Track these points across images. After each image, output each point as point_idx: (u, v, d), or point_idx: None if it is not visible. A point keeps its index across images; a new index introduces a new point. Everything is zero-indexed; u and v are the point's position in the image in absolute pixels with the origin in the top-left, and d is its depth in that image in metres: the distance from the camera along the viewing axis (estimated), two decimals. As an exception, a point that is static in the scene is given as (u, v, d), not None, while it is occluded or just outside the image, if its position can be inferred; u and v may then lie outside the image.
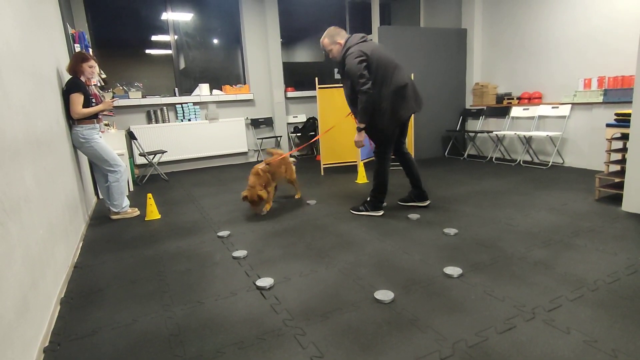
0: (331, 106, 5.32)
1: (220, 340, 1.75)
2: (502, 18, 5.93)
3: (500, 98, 6.00)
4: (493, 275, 2.21)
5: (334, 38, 3.24)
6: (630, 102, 3.12)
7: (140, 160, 5.86)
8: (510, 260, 2.38)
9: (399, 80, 3.13)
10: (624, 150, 3.53)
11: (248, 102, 6.97)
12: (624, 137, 3.52)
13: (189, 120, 6.48)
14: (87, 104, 3.46)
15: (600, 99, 4.69)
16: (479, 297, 1.98)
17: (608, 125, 3.71)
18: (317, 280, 2.29)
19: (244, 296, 2.15)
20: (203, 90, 6.58)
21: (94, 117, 3.56)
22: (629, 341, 1.57)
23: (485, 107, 6.16)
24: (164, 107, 6.32)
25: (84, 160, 4.15)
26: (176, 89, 6.60)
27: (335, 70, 7.86)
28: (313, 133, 7.24)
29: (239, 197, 4.41)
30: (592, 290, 1.98)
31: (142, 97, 6.15)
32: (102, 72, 5.35)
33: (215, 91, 6.70)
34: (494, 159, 5.88)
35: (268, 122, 7.12)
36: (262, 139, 7.05)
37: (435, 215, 3.34)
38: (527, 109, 5.54)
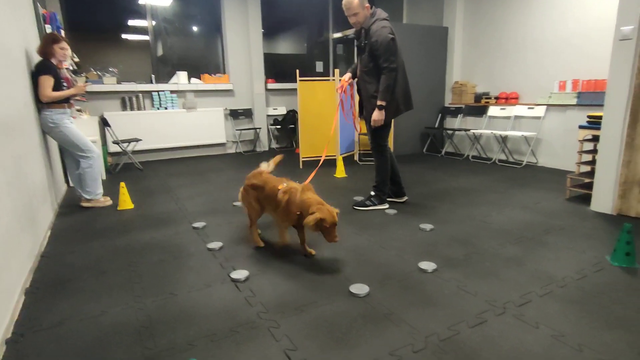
0: (312, 99, 5.29)
1: (193, 332, 1.71)
2: (483, 18, 6.02)
3: (478, 97, 6.10)
4: (466, 270, 2.25)
5: (364, 2, 3.06)
6: (602, 105, 3.22)
7: (114, 148, 5.69)
8: (484, 257, 2.43)
9: (406, 74, 3.18)
10: (594, 151, 3.65)
11: (227, 92, 6.86)
12: (595, 139, 3.63)
13: (166, 108, 6.32)
14: (57, 87, 3.31)
15: (574, 101, 4.82)
16: (452, 291, 2.01)
17: (580, 127, 3.82)
18: (292, 273, 2.27)
19: (218, 288, 2.11)
20: (181, 79, 6.42)
21: (65, 101, 3.42)
22: (594, 336, 1.63)
23: (463, 106, 6.25)
24: (140, 95, 6.14)
25: (54, 146, 3.99)
26: (153, 76, 6.42)
27: (318, 63, 7.82)
28: (293, 126, 7.19)
29: (215, 188, 4.35)
30: (560, 287, 2.04)
31: (117, 83, 5.95)
32: (74, 55, 5.15)
33: (193, 80, 6.55)
34: (470, 157, 5.98)
35: (247, 113, 7.03)
36: (241, 130, 6.96)
37: (412, 211, 3.37)
38: (504, 108, 5.66)
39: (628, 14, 2.96)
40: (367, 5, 3.09)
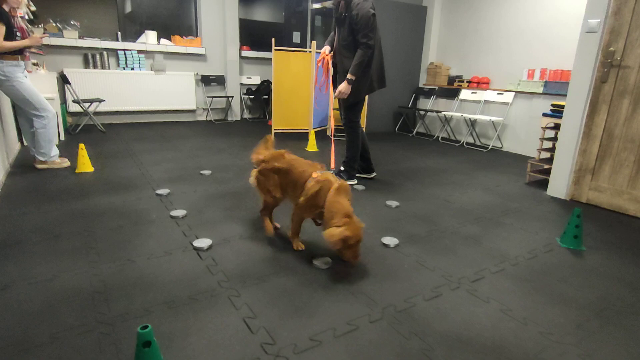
0: (287, 70, 5.17)
1: (150, 299, 1.69)
2: (461, 1, 6.00)
3: (451, 80, 6.16)
4: (427, 246, 2.31)
5: None
6: (566, 94, 3.32)
7: (74, 107, 5.39)
8: (444, 234, 2.50)
9: (382, 51, 3.15)
10: (555, 139, 3.79)
11: (199, 56, 6.59)
12: (557, 127, 3.77)
13: (132, 69, 6.01)
14: (10, 37, 3.06)
15: (541, 89, 4.96)
16: (411, 266, 2.07)
17: (544, 115, 3.94)
18: (257, 244, 2.26)
19: (179, 256, 2.08)
20: (149, 38, 6.10)
21: (19, 53, 3.18)
22: (538, 311, 1.73)
23: (437, 87, 6.30)
24: (104, 52, 5.79)
25: (6, 101, 3.72)
26: (119, 33, 6.06)
27: (295, 34, 7.62)
28: (267, 97, 7.04)
29: (183, 155, 4.23)
30: (512, 265, 2.14)
31: (79, 38, 5.58)
32: (31, 3, 4.76)
33: (163, 41, 6.24)
34: (440, 138, 6.09)
35: (220, 80, 6.80)
36: (213, 97, 6.74)
37: (380, 188, 3.42)
38: (475, 92, 5.75)
39: (596, 7, 3.02)
40: None
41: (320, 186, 2.04)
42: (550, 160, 3.68)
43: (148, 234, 2.32)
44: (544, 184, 3.67)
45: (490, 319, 1.65)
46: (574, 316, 1.70)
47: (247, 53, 7.03)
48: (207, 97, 6.73)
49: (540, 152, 4.02)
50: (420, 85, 6.64)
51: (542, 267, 2.13)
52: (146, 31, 6.10)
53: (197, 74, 6.60)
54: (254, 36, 7.33)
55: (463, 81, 5.99)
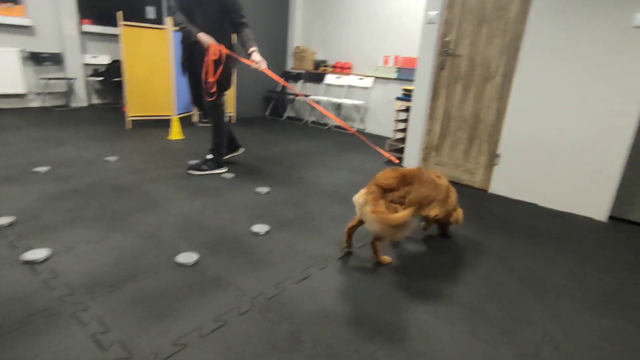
0: (140, 49, 4.65)
1: (-42, 333, 1.34)
2: (322, -14, 6.19)
3: (317, 64, 6.35)
4: (297, 230, 2.35)
5: None
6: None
7: None
8: (313, 216, 2.58)
9: None
10: (406, 121, 4.22)
11: (24, 29, 5.46)
12: (408, 110, 4.19)
13: None
14: None
15: (395, 75, 5.46)
16: (282, 251, 2.08)
17: (397, 99, 4.35)
18: (110, 247, 2.00)
19: (5, 273, 1.70)
20: (-50, 3, 4.81)
21: None
22: (385, 276, 1.90)
23: (304, 72, 6.44)
24: None
25: None
26: None
27: (149, 8, 6.88)
28: (119, 79, 6.24)
29: (10, 151, 3.49)
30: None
31: None
32: None
33: (-29, 7, 4.99)
34: (309, 122, 6.27)
35: (55, 59, 5.77)
36: (48, 79, 5.69)
37: (249, 175, 3.35)
38: (339, 77, 6.05)
39: (435, 0, 3.41)
40: None
41: None
42: (404, 140, 4.09)
43: (-44, 251, 1.85)
44: (401, 162, 4.06)
45: (354, 292, 1.76)
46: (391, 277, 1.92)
47: (89, 28, 6.10)
48: (40, 79, 5.66)
49: (395, 133, 4.44)
50: (288, 69, 6.70)
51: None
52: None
53: (24, 50, 5.49)
54: (98, 8, 6.38)
55: (328, 66, 6.23)
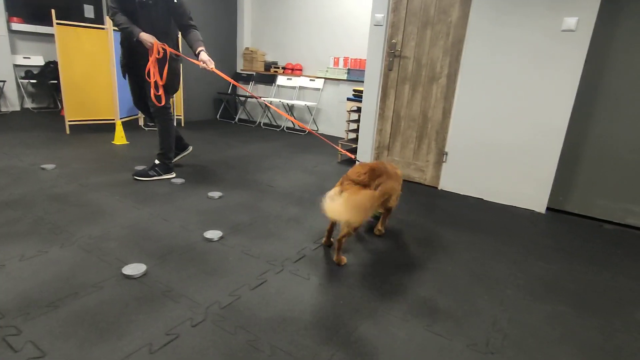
0: (78, 50, 4.36)
1: None
2: (271, -13, 6.14)
3: (268, 66, 6.29)
4: (251, 234, 2.30)
5: None
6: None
7: None
8: (268, 219, 2.54)
9: None
10: (358, 121, 4.28)
11: (-57, 27, 4.95)
12: (359, 110, 4.26)
13: None
14: None
15: (345, 76, 5.52)
16: (236, 257, 2.02)
17: (348, 99, 4.40)
18: (46, 262, 1.84)
19: None
20: None
21: None
22: (344, 278, 1.91)
23: (254, 73, 6.35)
24: None
25: None
26: None
27: (87, 7, 6.48)
28: (55, 81, 5.83)
29: None
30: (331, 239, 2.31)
31: None
32: None
33: None
34: (262, 124, 6.19)
35: (-18, 60, 5.28)
36: (-27, 82, 5.20)
37: (201, 179, 3.24)
38: (290, 78, 6.02)
39: (380, 2, 3.48)
40: None
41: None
42: (356, 140, 4.14)
43: None
44: (353, 162, 4.11)
45: (311, 293, 1.75)
46: (361, 270, 1.95)
47: (20, 26, 5.64)
48: (-35, 81, 5.16)
49: (348, 133, 4.49)
50: (238, 70, 6.58)
51: (351, 238, 2.37)
52: None
53: (-57, 50, 4.97)
54: (30, 6, 5.91)
55: (279, 67, 6.19)
